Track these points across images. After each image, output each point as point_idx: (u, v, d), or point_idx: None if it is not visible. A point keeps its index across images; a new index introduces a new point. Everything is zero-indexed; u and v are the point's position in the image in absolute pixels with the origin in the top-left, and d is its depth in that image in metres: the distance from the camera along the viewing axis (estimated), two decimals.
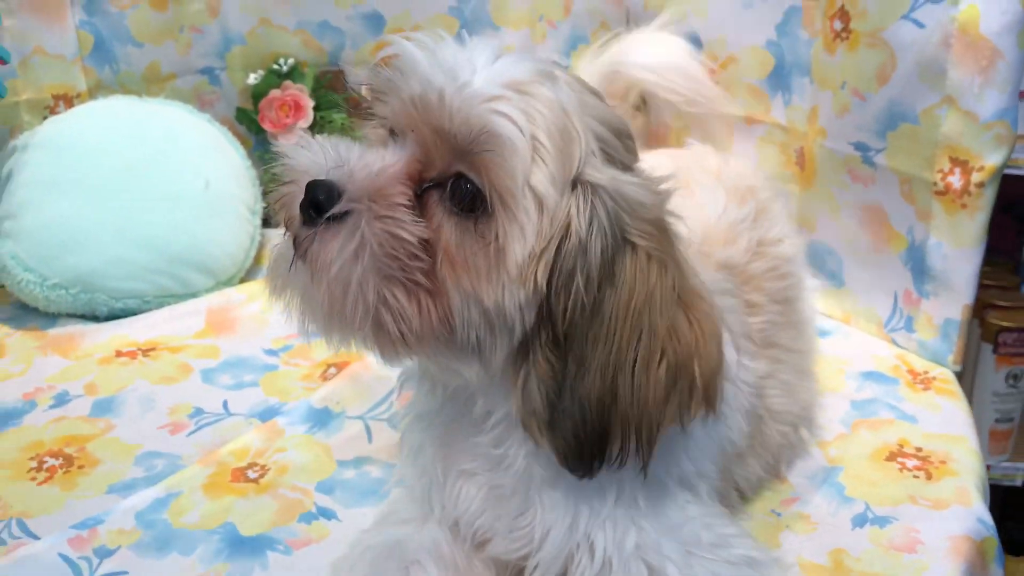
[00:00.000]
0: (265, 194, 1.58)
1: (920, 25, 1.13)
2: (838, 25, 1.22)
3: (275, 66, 1.61)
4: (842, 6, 1.22)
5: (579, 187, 0.72)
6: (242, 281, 1.50)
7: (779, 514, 1.00)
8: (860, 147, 1.24)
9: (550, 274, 0.72)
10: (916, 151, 1.18)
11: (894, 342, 1.29)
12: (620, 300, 0.72)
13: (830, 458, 1.09)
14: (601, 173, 0.73)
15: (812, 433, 1.10)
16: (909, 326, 1.27)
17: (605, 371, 0.72)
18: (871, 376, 1.23)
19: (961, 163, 1.15)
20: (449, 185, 0.73)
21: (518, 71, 0.73)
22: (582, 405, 0.72)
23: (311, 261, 0.72)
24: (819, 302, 1.32)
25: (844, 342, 1.31)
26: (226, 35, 1.60)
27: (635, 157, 0.78)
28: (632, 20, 1.53)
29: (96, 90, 1.53)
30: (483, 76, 0.72)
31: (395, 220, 0.71)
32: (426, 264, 0.72)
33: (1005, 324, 1.75)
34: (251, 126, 1.64)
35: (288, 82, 1.61)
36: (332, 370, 1.25)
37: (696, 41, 1.43)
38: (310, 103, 1.61)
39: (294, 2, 1.60)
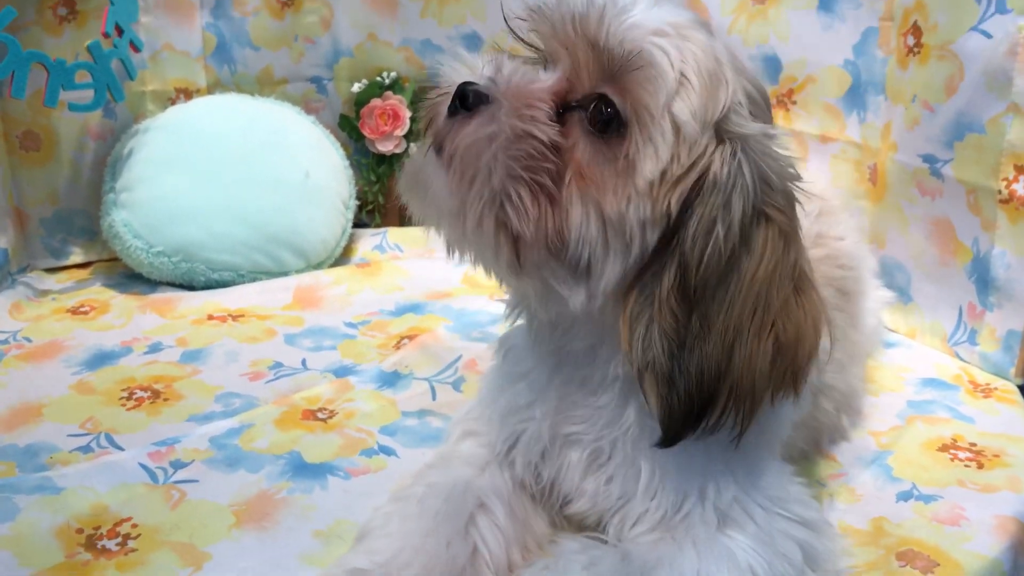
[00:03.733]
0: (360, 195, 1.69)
1: (988, 36, 1.17)
2: (911, 40, 1.27)
3: (378, 78, 1.73)
4: (915, 22, 1.26)
5: (725, 137, 0.74)
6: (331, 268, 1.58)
7: (824, 484, 1.02)
8: (928, 159, 1.27)
9: (686, 210, 0.73)
10: (982, 160, 1.20)
11: (957, 355, 1.30)
12: (749, 268, 0.74)
13: (881, 444, 1.10)
14: (747, 127, 0.75)
15: (852, 421, 1.12)
16: (972, 339, 1.27)
17: (726, 335, 0.74)
18: (931, 382, 1.24)
19: None
20: (591, 107, 0.75)
21: (678, 16, 0.76)
22: (700, 365, 0.74)
23: (446, 152, 0.75)
24: (887, 317, 1.34)
25: (907, 352, 1.32)
26: (336, 47, 1.72)
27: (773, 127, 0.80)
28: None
29: (214, 87, 1.67)
30: (644, 11, 0.75)
31: (532, 119, 0.74)
32: (553, 171, 0.74)
33: None
34: (352, 132, 1.74)
35: (389, 92, 1.72)
36: (405, 341, 1.32)
37: (776, 62, 1.49)
38: (408, 113, 1.72)
39: (400, 20, 1.71)
